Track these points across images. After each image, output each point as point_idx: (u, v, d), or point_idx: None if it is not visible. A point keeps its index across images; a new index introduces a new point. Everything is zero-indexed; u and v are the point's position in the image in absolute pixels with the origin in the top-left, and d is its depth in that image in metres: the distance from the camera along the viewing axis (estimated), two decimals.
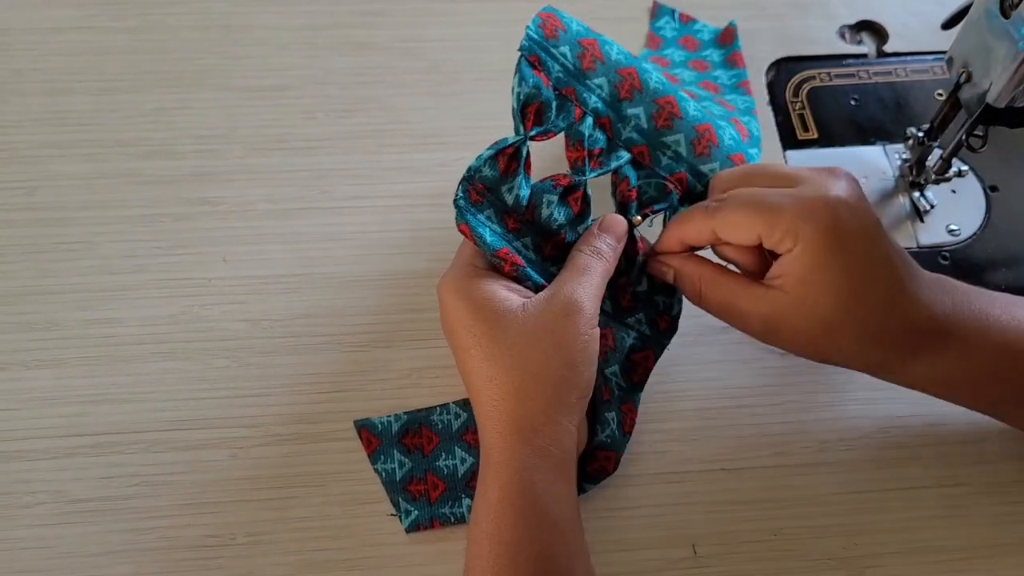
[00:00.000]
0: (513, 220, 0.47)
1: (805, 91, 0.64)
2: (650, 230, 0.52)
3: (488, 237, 0.46)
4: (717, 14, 0.68)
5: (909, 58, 0.66)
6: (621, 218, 0.49)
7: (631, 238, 0.49)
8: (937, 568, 0.49)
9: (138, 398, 0.51)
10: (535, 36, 0.47)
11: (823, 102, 0.64)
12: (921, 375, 0.46)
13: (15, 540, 0.47)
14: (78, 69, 0.63)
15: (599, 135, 0.49)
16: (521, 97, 0.46)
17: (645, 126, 0.50)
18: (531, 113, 0.47)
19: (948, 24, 0.54)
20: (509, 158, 0.47)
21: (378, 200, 0.59)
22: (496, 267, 0.46)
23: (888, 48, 0.67)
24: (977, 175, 0.60)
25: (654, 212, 0.50)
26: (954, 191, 0.60)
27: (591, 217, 0.49)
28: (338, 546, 0.48)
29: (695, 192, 0.51)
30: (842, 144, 0.62)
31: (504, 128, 0.61)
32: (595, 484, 0.49)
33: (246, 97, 0.63)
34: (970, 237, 0.58)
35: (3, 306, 0.54)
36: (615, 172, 0.50)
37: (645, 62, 0.53)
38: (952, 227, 0.58)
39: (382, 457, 0.50)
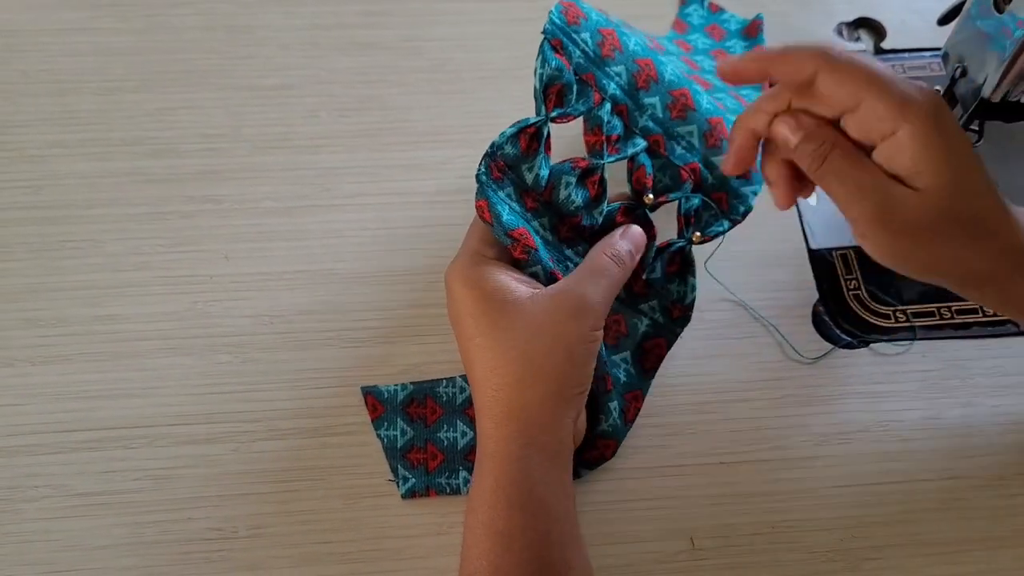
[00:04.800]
0: (532, 199, 0.48)
1: None
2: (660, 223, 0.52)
3: (505, 216, 0.46)
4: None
5: (907, 55, 0.66)
6: (642, 232, 0.49)
7: (647, 223, 0.50)
8: (934, 561, 0.49)
9: (142, 393, 0.52)
10: (557, 21, 0.48)
11: None
12: None
13: (21, 533, 0.48)
14: (84, 70, 0.64)
15: (616, 121, 0.50)
16: (544, 78, 0.47)
17: (661, 115, 0.50)
18: (553, 94, 0.47)
19: (944, 20, 0.55)
20: (530, 137, 0.47)
21: (380, 197, 0.59)
22: (507, 249, 0.46)
23: (886, 45, 0.67)
24: None
25: (668, 200, 0.50)
26: None
27: (606, 201, 0.49)
28: (340, 539, 0.49)
29: (707, 182, 0.51)
30: None
31: (505, 127, 0.62)
32: (592, 469, 0.50)
33: (250, 96, 0.63)
34: None
35: (10, 303, 0.55)
36: (631, 159, 0.50)
37: (663, 54, 0.54)
38: None
39: (385, 424, 0.51)
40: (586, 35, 0.49)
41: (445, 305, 0.55)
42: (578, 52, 0.48)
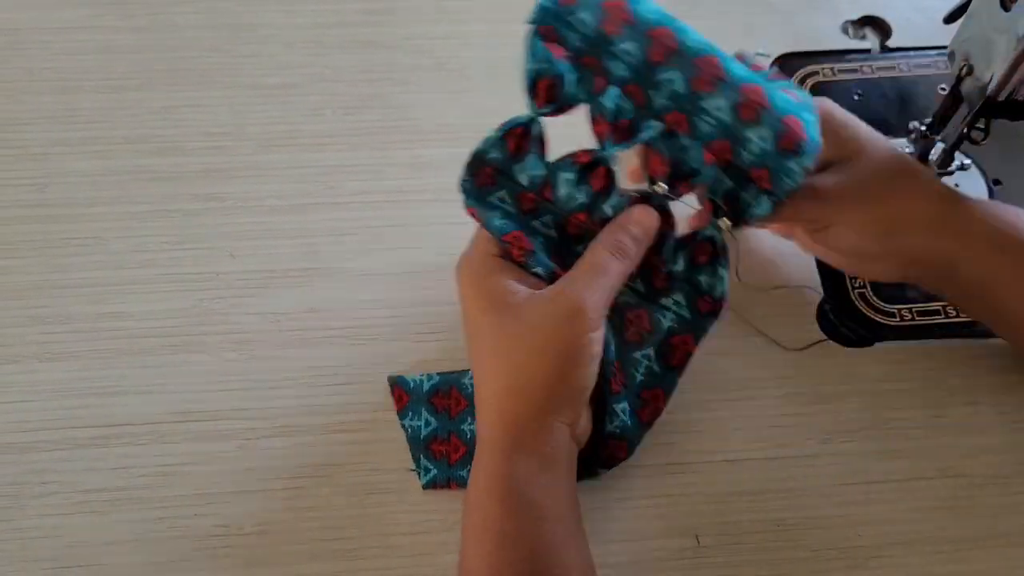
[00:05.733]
0: (528, 199, 0.46)
1: (809, 86, 0.64)
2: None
3: (496, 221, 0.45)
4: (724, 9, 0.68)
5: (912, 53, 0.66)
6: (652, 211, 0.46)
7: (665, 212, 0.46)
8: (938, 559, 0.49)
9: (148, 390, 0.52)
10: (548, 5, 0.44)
11: (827, 97, 0.64)
12: (984, 272, 0.47)
13: (28, 529, 0.48)
14: (88, 68, 0.64)
15: (627, 105, 0.45)
16: (531, 74, 0.44)
17: (681, 91, 0.44)
18: (542, 89, 0.44)
19: (950, 18, 0.54)
20: (519, 138, 0.45)
21: (384, 195, 0.59)
22: (507, 252, 0.45)
23: (891, 43, 0.67)
24: (980, 169, 0.60)
25: (692, 187, 0.46)
26: (957, 184, 0.60)
27: (618, 193, 0.46)
28: (346, 535, 0.49)
29: (742, 159, 0.44)
30: None
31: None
32: (609, 469, 0.49)
33: (254, 95, 0.63)
34: None
35: (16, 300, 0.55)
36: (647, 145, 0.45)
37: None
38: None
39: (410, 414, 0.51)
40: (584, 14, 0.44)
41: (449, 302, 0.55)
42: (575, 35, 0.44)
